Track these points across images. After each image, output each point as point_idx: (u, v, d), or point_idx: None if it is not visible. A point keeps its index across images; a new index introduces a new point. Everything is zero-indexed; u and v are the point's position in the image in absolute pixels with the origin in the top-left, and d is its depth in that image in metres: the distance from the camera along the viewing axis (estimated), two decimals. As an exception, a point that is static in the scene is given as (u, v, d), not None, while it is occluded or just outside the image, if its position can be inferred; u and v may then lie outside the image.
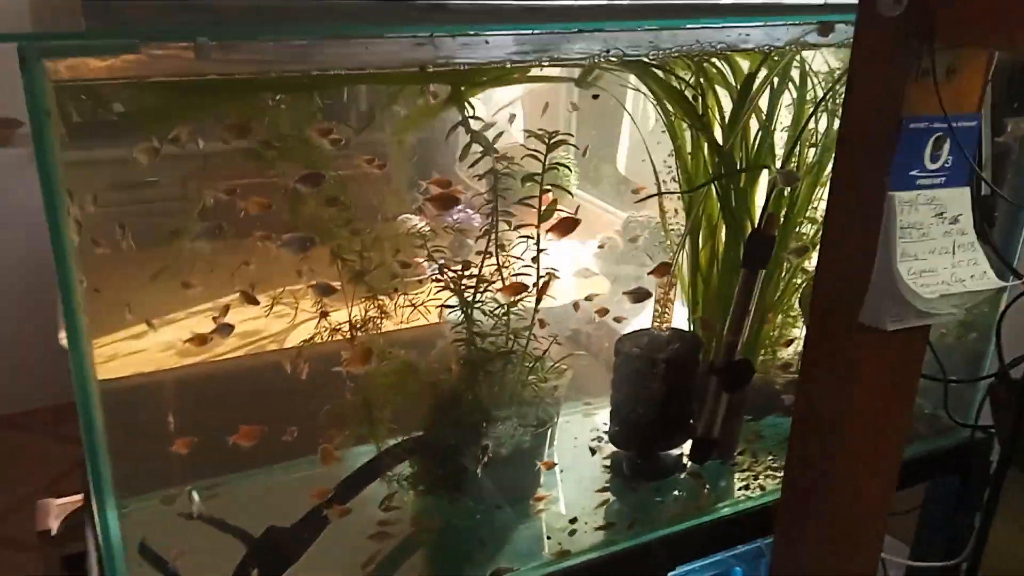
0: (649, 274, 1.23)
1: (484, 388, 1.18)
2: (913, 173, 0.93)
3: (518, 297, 1.19)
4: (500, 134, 1.18)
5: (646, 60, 1.07)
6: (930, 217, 0.95)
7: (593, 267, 2.28)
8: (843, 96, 1.04)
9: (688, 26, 1.05)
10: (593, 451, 1.37)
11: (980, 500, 1.63)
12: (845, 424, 1.06)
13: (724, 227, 1.27)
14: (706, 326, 1.30)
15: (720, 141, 1.19)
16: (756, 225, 1.19)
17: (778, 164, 1.26)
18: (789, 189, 1.26)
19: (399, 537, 1.21)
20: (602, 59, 0.97)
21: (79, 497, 1.97)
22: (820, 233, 1.34)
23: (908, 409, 1.09)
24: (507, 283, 1.12)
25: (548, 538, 1.22)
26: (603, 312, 1.30)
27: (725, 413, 1.27)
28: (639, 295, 1.20)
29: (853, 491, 1.10)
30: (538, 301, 1.15)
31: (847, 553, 1.15)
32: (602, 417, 1.52)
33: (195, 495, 1.14)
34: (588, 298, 1.35)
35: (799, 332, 1.47)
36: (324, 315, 1.18)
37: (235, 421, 1.56)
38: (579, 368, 1.33)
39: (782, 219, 1.27)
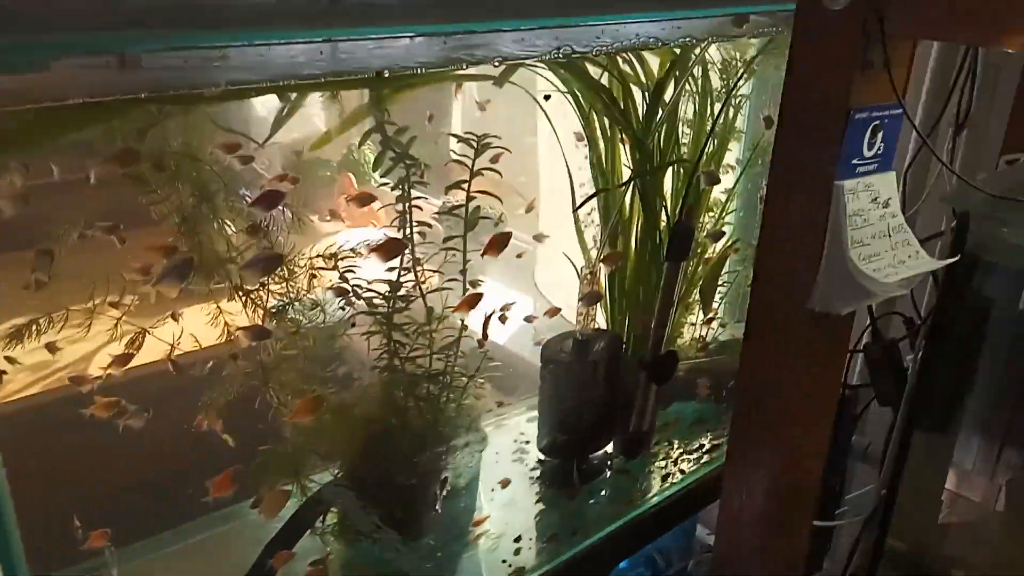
0: (601, 262, 1.19)
1: (425, 417, 1.09)
2: (854, 161, 0.96)
3: (461, 313, 1.12)
4: (412, 139, 1.09)
5: (579, 56, 1.02)
6: (868, 203, 0.99)
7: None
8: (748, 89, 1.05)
9: (607, 22, 1.02)
10: (542, 462, 1.31)
11: (846, 456, 1.78)
12: (785, 398, 1.10)
13: (639, 221, 1.26)
14: (641, 320, 1.29)
15: (637, 137, 1.18)
16: (678, 217, 1.19)
17: (682, 154, 1.27)
18: (691, 179, 1.28)
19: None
20: (550, 57, 0.91)
21: None
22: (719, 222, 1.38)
23: (838, 380, 1.15)
24: (463, 298, 1.04)
25: (503, 561, 1.16)
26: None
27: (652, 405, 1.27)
28: (592, 298, 1.16)
29: (790, 462, 1.14)
30: (485, 325, 1.08)
31: (785, 524, 1.20)
32: (516, 425, 1.48)
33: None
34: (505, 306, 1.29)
35: (694, 319, 1.51)
36: (235, 357, 1.03)
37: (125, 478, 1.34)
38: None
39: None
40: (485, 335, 1.09)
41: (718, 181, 1.23)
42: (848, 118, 0.92)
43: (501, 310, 1.25)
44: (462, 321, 1.14)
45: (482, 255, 1.05)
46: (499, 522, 1.25)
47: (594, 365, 1.21)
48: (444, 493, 1.06)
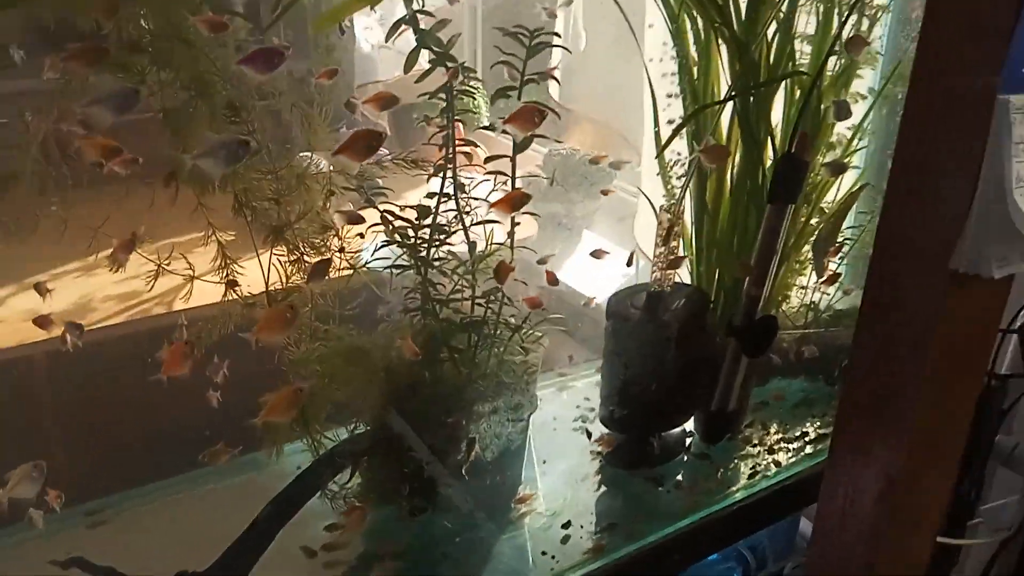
0: (702, 153, 0.97)
1: (454, 369, 0.94)
2: (1024, 71, 0.72)
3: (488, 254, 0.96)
4: (455, 37, 0.92)
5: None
6: (1040, 128, 0.75)
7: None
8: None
9: None
10: (589, 434, 1.15)
11: (986, 459, 1.51)
12: (910, 384, 0.88)
13: (737, 153, 1.05)
14: (734, 276, 1.08)
15: (738, 40, 0.96)
16: (787, 148, 0.97)
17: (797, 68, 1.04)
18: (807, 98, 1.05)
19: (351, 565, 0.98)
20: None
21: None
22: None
23: (984, 366, 0.92)
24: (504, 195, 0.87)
25: (544, 553, 1.00)
26: (553, 280, 1.06)
27: (742, 381, 1.07)
28: (669, 238, 0.97)
29: (913, 463, 0.92)
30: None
31: (899, 541, 0.98)
32: (581, 391, 1.31)
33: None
34: (542, 261, 1.12)
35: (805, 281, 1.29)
36: (232, 284, 0.90)
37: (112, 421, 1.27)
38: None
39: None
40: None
41: (848, 114, 1.00)
42: (1020, 11, 0.69)
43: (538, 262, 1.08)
44: (510, 260, 0.97)
45: (489, 208, 0.88)
46: (549, 502, 1.09)
47: (670, 325, 1.02)
48: (471, 457, 0.91)
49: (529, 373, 1.04)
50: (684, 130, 1.08)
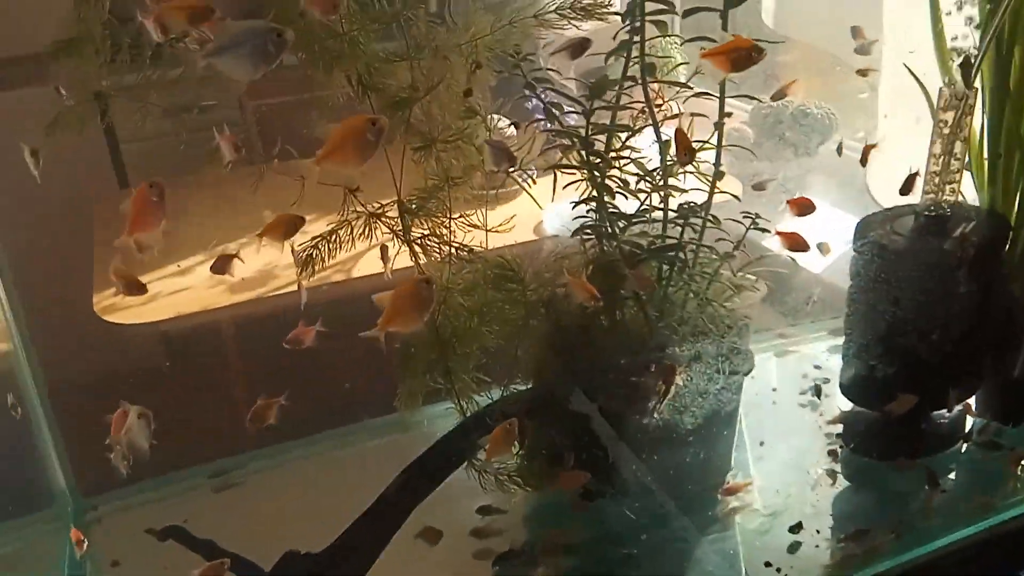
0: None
1: (638, 309, 0.68)
2: None
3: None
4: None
5: None
6: None
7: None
8: None
9: None
10: (819, 391, 0.85)
11: None
12: None
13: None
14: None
15: None
16: None
17: None
18: None
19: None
20: None
21: None
22: None
23: None
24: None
25: (768, 565, 0.73)
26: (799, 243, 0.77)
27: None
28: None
29: None
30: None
31: None
32: (809, 357, 1.01)
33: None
34: (758, 187, 0.85)
35: None
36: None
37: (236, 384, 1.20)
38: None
39: None
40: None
41: None
42: None
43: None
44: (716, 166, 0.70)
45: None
46: (768, 497, 0.80)
47: (948, 258, 0.69)
48: (665, 399, 0.65)
49: (740, 323, 0.76)
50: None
